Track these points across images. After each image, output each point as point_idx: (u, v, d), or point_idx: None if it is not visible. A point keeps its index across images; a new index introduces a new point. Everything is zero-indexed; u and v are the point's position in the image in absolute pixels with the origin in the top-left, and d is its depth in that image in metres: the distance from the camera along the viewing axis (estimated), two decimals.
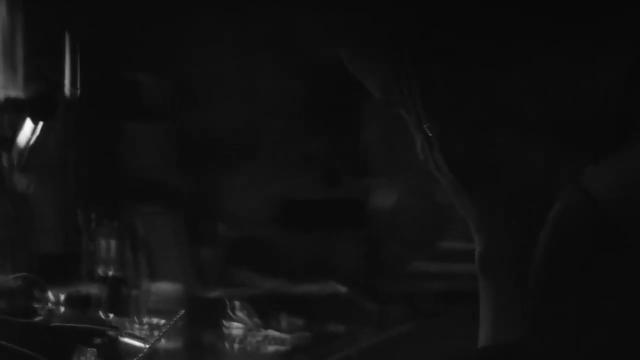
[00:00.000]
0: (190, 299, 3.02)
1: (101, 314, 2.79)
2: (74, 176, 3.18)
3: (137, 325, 2.83)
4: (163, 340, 2.64)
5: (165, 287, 3.01)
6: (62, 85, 3.13)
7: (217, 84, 3.28)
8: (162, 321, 2.78)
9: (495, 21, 0.85)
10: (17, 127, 3.03)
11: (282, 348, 2.95)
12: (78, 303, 2.74)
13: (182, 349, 2.85)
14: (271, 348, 2.95)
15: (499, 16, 0.85)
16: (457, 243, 3.15)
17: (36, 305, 2.66)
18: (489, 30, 0.85)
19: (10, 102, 3.01)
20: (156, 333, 2.69)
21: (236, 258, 3.32)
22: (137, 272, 3.03)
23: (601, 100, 0.84)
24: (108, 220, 3.04)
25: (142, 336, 2.67)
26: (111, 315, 2.81)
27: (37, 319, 2.61)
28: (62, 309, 2.71)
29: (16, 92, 3.04)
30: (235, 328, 2.98)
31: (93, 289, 2.87)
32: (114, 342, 2.50)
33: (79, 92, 3.14)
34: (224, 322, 2.99)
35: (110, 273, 2.99)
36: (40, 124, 3.04)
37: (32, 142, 3.04)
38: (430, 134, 0.88)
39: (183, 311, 2.63)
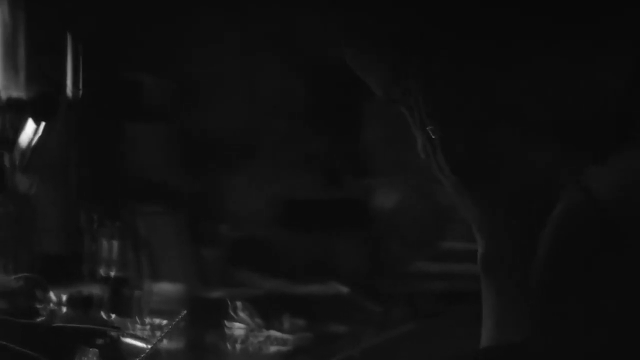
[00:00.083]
0: (192, 300, 3.02)
1: (103, 314, 2.79)
2: (75, 176, 3.18)
3: (139, 326, 2.83)
4: (165, 341, 2.64)
5: (167, 288, 3.01)
6: (63, 85, 3.13)
7: (218, 84, 3.28)
8: (164, 321, 2.78)
9: (495, 21, 0.85)
10: (18, 128, 3.03)
11: (284, 348, 2.95)
12: (80, 303, 2.74)
13: (184, 349, 2.85)
14: (273, 348, 2.95)
15: (499, 16, 0.85)
16: (458, 243, 3.15)
17: (38, 306, 2.66)
18: (489, 30, 0.85)
19: (12, 102, 3.01)
20: (158, 333, 2.69)
21: (238, 258, 3.32)
22: (139, 272, 3.03)
23: (601, 100, 0.84)
24: (110, 220, 3.04)
25: (144, 337, 2.67)
26: (113, 316, 2.81)
27: (39, 319, 2.61)
28: (64, 309, 2.71)
29: (18, 93, 3.04)
30: (237, 328, 2.98)
31: (95, 290, 2.88)
32: (116, 342, 2.50)
33: (80, 92, 3.14)
34: (226, 323, 2.99)
35: (112, 273, 2.99)
36: (42, 124, 3.04)
37: (33, 142, 3.04)
38: (434, 137, 0.89)
39: (185, 312, 2.63)
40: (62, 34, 3.12)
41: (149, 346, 2.44)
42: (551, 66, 0.84)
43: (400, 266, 3.34)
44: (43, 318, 2.63)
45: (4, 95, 3.00)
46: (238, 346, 2.97)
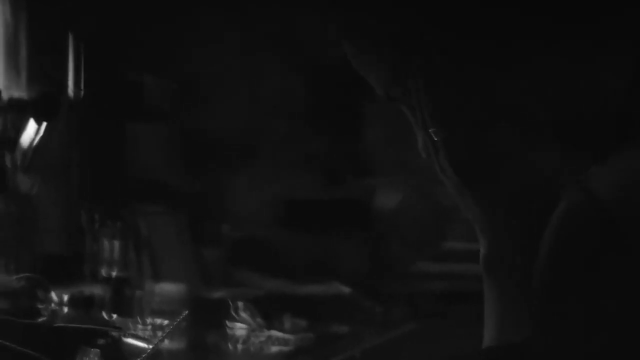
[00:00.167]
0: (193, 300, 3.02)
1: (104, 314, 2.80)
2: (77, 176, 3.18)
3: (140, 326, 2.83)
4: (166, 341, 2.64)
5: (168, 288, 3.01)
6: (65, 85, 3.13)
7: (218, 84, 3.29)
8: (166, 322, 2.78)
9: (496, 21, 0.85)
10: (20, 128, 3.03)
11: (285, 348, 2.95)
12: (81, 303, 2.74)
13: (185, 349, 2.85)
14: (274, 348, 2.95)
15: (499, 16, 0.85)
16: (459, 243, 3.15)
17: (40, 306, 2.66)
18: (489, 30, 0.85)
19: (13, 103, 3.01)
20: (159, 333, 2.69)
21: (239, 258, 3.32)
22: (140, 272, 3.03)
23: (601, 100, 0.84)
24: (111, 220, 3.04)
25: (146, 337, 2.67)
26: (114, 316, 2.81)
27: (41, 319, 2.62)
28: (66, 309, 2.72)
29: (20, 93, 3.04)
30: (239, 329, 2.98)
31: (96, 290, 2.88)
32: (118, 342, 2.50)
33: (82, 92, 3.14)
34: (228, 323, 2.99)
35: (114, 273, 2.99)
36: (44, 124, 3.04)
37: (35, 142, 3.04)
38: (436, 139, 0.88)
39: (186, 312, 2.63)
40: (64, 35, 3.12)
41: (151, 346, 2.44)
42: (551, 66, 0.84)
43: (401, 266, 3.34)
44: (44, 318, 2.63)
45: (5, 95, 3.00)
46: (239, 346, 2.97)
